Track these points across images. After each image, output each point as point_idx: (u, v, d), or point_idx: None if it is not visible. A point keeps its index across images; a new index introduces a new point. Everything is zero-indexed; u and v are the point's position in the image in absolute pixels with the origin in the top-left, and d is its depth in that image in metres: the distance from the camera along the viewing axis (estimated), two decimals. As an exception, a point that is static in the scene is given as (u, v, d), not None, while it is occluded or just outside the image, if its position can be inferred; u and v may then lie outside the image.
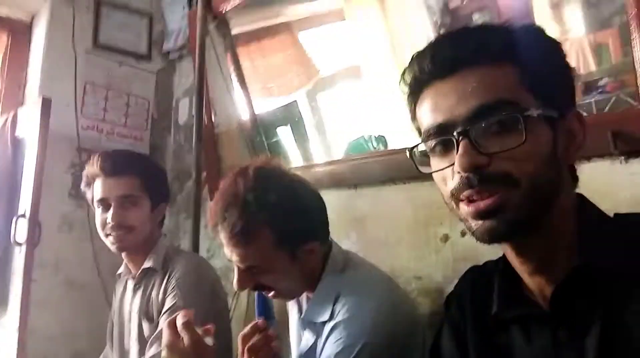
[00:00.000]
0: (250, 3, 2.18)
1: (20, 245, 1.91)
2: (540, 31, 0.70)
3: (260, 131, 2.14)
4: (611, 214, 0.70)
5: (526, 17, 1.65)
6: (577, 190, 0.72)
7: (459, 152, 0.63)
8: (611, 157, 1.11)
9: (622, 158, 1.10)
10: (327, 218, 1.18)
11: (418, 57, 0.70)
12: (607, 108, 1.35)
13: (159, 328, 1.38)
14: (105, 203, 1.51)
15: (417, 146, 0.71)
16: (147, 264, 1.54)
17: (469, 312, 0.79)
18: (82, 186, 1.59)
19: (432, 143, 0.69)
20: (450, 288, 0.89)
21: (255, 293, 1.16)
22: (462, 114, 0.65)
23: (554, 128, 0.65)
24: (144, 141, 2.49)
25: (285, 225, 1.07)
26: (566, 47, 0.70)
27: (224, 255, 1.14)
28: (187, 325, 1.03)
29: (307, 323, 1.14)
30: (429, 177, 0.72)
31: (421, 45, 0.71)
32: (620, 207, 0.71)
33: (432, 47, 0.69)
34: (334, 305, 1.08)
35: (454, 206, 0.68)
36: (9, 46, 2.40)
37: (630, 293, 0.60)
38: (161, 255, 1.56)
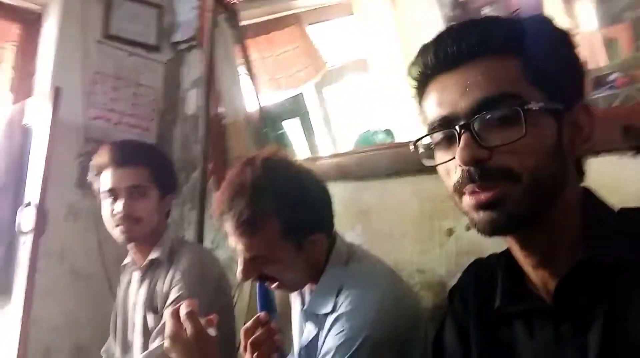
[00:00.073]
0: (260, -5, 2.18)
1: (25, 234, 1.92)
2: (547, 22, 0.69)
3: (267, 123, 2.14)
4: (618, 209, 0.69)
5: (536, 11, 1.64)
6: (586, 184, 0.72)
7: (460, 145, 0.63)
8: (620, 151, 1.10)
9: (632, 152, 1.09)
10: (332, 209, 1.18)
11: (423, 51, 0.70)
12: (616, 103, 1.34)
13: (162, 320, 1.39)
14: (114, 194, 1.51)
15: (421, 138, 0.71)
16: (153, 255, 1.55)
17: (472, 306, 0.79)
18: (90, 176, 1.59)
19: (436, 135, 0.69)
20: (453, 282, 0.88)
21: (257, 287, 1.16)
22: (464, 108, 0.65)
23: (559, 121, 0.64)
24: (151, 131, 2.50)
25: (291, 215, 1.07)
26: (577, 42, 0.69)
27: (228, 246, 1.15)
28: (190, 315, 1.04)
29: (310, 315, 1.14)
30: (434, 170, 0.72)
31: (430, 38, 0.71)
32: (628, 201, 0.70)
33: (436, 41, 0.69)
34: (336, 297, 1.08)
35: (457, 199, 0.68)
36: (20, 36, 2.41)
37: (634, 288, 0.60)
38: (167, 246, 1.56)
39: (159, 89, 2.54)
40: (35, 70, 2.39)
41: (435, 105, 0.69)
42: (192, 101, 2.53)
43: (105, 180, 1.52)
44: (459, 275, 0.87)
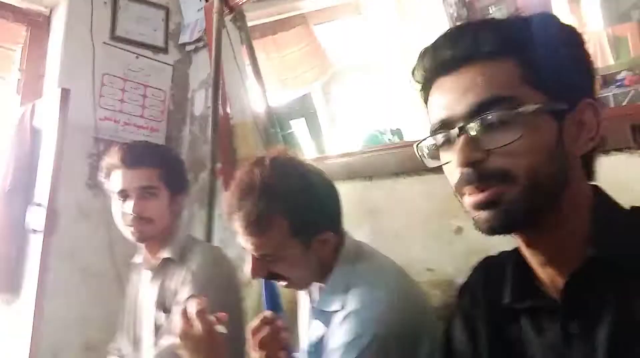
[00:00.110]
0: (266, -4, 2.19)
1: (36, 233, 1.94)
2: (549, 20, 0.68)
3: (275, 123, 2.15)
4: (628, 207, 0.69)
5: (544, 9, 1.63)
6: (595, 182, 0.72)
7: (457, 148, 0.65)
8: (630, 150, 1.10)
9: (641, 151, 1.09)
10: (341, 208, 1.18)
11: (423, 55, 0.72)
12: (625, 101, 1.34)
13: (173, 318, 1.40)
14: (124, 194, 1.52)
15: (423, 140, 0.73)
16: (166, 254, 1.55)
17: (481, 302, 0.79)
18: (101, 176, 1.60)
19: (438, 137, 0.70)
20: (461, 281, 0.88)
21: (263, 285, 1.16)
22: (461, 111, 0.66)
23: (561, 120, 0.64)
24: (160, 132, 2.52)
25: (300, 214, 1.08)
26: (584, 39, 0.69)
27: (237, 245, 1.15)
28: (200, 313, 1.05)
29: (318, 312, 1.15)
30: (442, 169, 0.73)
31: (434, 38, 0.72)
32: (638, 200, 0.70)
33: (434, 45, 0.70)
34: (345, 295, 1.09)
35: (460, 198, 0.69)
36: (28, 38, 2.43)
37: None
38: (179, 245, 1.56)
39: (167, 90, 2.56)
40: (43, 72, 2.42)
41: (435, 107, 0.70)
42: (200, 101, 2.55)
43: (115, 181, 1.53)
44: (467, 273, 0.87)
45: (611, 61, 1.57)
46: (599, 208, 0.67)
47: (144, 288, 1.62)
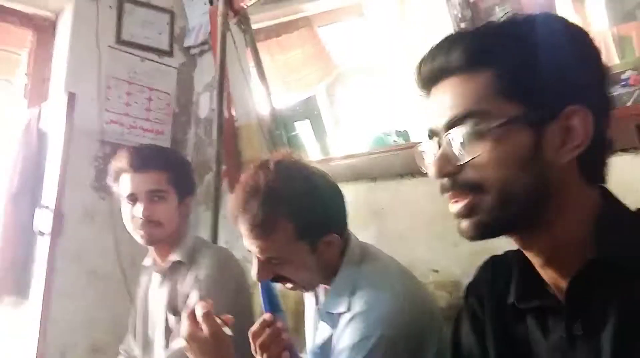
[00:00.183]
0: (270, -1, 2.20)
1: (43, 235, 1.95)
2: (530, 26, 0.67)
3: (280, 125, 2.15)
4: (634, 208, 0.69)
5: (548, 9, 1.63)
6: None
7: (434, 159, 0.68)
8: (635, 150, 1.10)
9: (646, 151, 1.09)
10: (346, 210, 1.18)
11: (417, 66, 0.73)
12: (630, 101, 1.33)
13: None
14: (133, 198, 1.52)
15: (419, 145, 0.75)
16: (175, 257, 1.55)
17: (487, 301, 0.79)
18: (109, 181, 1.60)
19: (426, 145, 0.73)
20: (467, 282, 0.89)
21: (261, 287, 1.16)
22: (441, 124, 0.68)
23: (540, 129, 0.64)
24: (166, 134, 2.53)
25: (304, 217, 1.08)
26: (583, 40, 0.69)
27: (243, 247, 1.16)
28: (206, 315, 1.05)
29: (324, 314, 1.15)
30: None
31: (440, 39, 0.72)
32: (644, 201, 0.70)
33: (423, 58, 0.72)
34: (351, 297, 1.09)
35: None
36: (35, 42, 2.45)
37: None
38: (188, 248, 1.57)
39: (172, 93, 2.57)
40: (49, 76, 2.44)
41: (426, 117, 0.72)
42: (205, 104, 2.56)
43: (124, 185, 1.53)
44: (473, 274, 0.88)
45: (616, 61, 1.56)
46: (604, 210, 0.67)
47: (154, 291, 1.62)
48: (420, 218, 1.49)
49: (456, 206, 0.67)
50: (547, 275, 0.70)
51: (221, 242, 2.06)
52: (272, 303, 1.14)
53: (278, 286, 1.19)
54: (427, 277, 1.45)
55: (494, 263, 0.83)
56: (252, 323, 1.53)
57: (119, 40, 2.45)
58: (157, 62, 2.54)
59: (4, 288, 2.09)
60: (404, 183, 1.56)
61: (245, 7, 2.17)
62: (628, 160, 1.10)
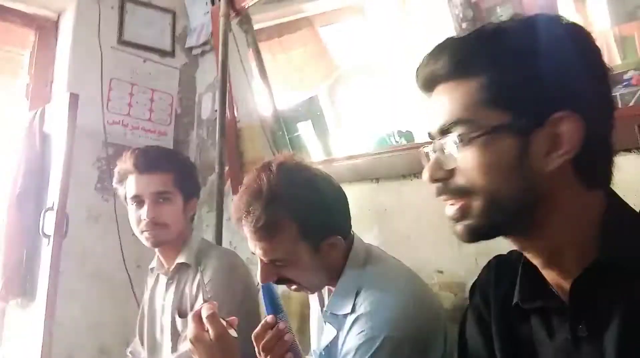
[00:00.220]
0: (272, -1, 2.19)
1: (48, 237, 1.95)
2: (522, 32, 0.66)
3: (282, 126, 2.15)
4: (638, 209, 0.69)
5: (550, 9, 1.63)
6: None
7: (427, 164, 0.70)
8: (638, 151, 1.10)
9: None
10: (349, 212, 1.19)
11: (415, 72, 0.74)
12: (632, 101, 1.33)
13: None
14: (139, 200, 1.52)
15: (423, 147, 0.76)
16: (181, 259, 1.56)
17: (492, 300, 0.80)
18: (114, 182, 1.60)
19: (426, 149, 0.75)
20: (471, 282, 0.89)
21: (261, 289, 1.16)
22: (435, 130, 0.70)
23: (526, 137, 0.64)
24: (168, 135, 2.54)
25: (307, 219, 1.09)
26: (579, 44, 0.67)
27: (246, 248, 1.16)
28: (212, 317, 1.06)
29: (330, 315, 1.16)
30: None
31: (441, 39, 0.72)
32: (647, 201, 0.70)
33: (419, 64, 0.73)
34: (355, 298, 1.09)
35: None
36: (37, 42, 2.45)
37: None
38: (194, 249, 1.57)
39: (174, 94, 2.58)
40: (51, 76, 2.44)
41: (428, 119, 0.74)
42: (208, 105, 2.57)
43: (129, 187, 1.54)
44: (477, 274, 0.88)
45: (618, 61, 1.55)
46: (608, 213, 0.67)
47: (160, 293, 1.62)
48: (424, 219, 1.49)
49: (450, 209, 0.69)
50: (549, 275, 0.71)
51: (225, 243, 2.07)
52: (273, 305, 1.15)
53: (281, 288, 1.19)
54: (432, 278, 1.46)
55: (499, 263, 0.84)
56: (258, 323, 1.54)
57: (121, 41, 2.45)
58: (159, 63, 2.55)
59: (10, 290, 2.09)
60: (407, 184, 1.56)
61: (246, 7, 2.17)
62: (631, 160, 1.10)
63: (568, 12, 1.74)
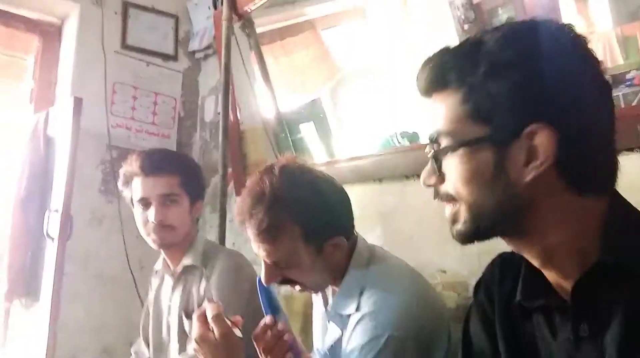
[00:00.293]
0: (274, 2, 2.20)
1: (52, 239, 1.96)
2: (500, 44, 0.66)
3: (285, 128, 2.16)
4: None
5: (552, 11, 1.63)
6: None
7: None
8: (640, 150, 1.10)
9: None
10: (352, 213, 1.19)
11: (415, 78, 0.75)
12: (635, 101, 1.33)
13: None
14: (145, 202, 1.52)
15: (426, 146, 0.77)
16: (187, 261, 1.56)
17: (496, 298, 0.80)
18: (119, 185, 1.60)
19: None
20: (475, 282, 0.89)
21: (259, 291, 1.16)
22: (430, 136, 0.73)
23: (503, 149, 0.65)
24: (171, 138, 2.55)
25: (310, 221, 1.09)
26: (593, 41, 0.68)
27: (250, 249, 1.17)
28: (217, 317, 1.06)
29: (334, 315, 1.16)
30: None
31: (443, 41, 0.73)
32: (649, 201, 0.70)
33: (418, 72, 0.74)
34: (359, 298, 1.10)
35: None
36: (41, 47, 2.47)
37: None
38: (200, 251, 1.57)
39: (178, 97, 2.59)
40: (55, 81, 2.46)
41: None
42: (210, 108, 2.58)
43: (136, 189, 1.53)
44: (480, 274, 0.88)
45: (620, 61, 1.56)
46: (610, 214, 0.67)
47: (166, 295, 1.62)
48: (427, 219, 1.49)
49: (447, 211, 0.72)
50: (549, 275, 0.71)
51: (228, 244, 2.07)
52: (272, 305, 1.15)
53: (283, 288, 1.19)
54: (435, 278, 1.46)
55: (503, 261, 0.84)
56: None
57: (124, 45, 2.47)
58: (162, 67, 2.56)
59: (15, 291, 2.11)
60: (410, 185, 1.57)
61: (249, 11, 2.18)
62: (633, 159, 1.10)
63: (570, 13, 1.75)
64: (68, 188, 1.95)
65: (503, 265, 0.83)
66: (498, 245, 0.76)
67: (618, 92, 1.38)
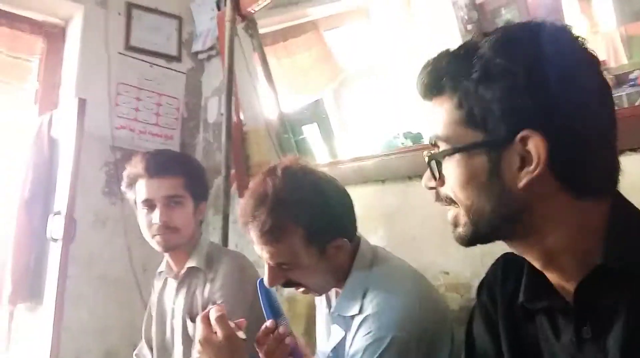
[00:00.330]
0: (277, 3, 2.20)
1: (55, 241, 1.97)
2: (491, 49, 0.65)
3: (287, 129, 2.16)
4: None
5: (555, 10, 1.63)
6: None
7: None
8: (645, 150, 1.10)
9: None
10: (354, 214, 1.19)
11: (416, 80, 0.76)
12: (638, 101, 1.33)
13: None
14: (150, 204, 1.51)
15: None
16: (191, 263, 1.55)
17: (499, 299, 0.80)
18: (123, 186, 1.59)
19: None
20: (478, 283, 0.89)
21: (259, 294, 1.16)
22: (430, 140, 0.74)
23: (497, 155, 0.65)
24: (175, 139, 2.55)
25: (313, 222, 1.09)
26: (597, 40, 0.68)
27: (253, 251, 1.17)
28: (220, 319, 1.06)
29: (337, 317, 1.16)
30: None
31: (446, 41, 0.73)
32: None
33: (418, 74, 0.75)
34: (362, 300, 1.10)
35: None
36: (45, 49, 2.48)
37: None
38: (204, 253, 1.57)
39: (181, 98, 2.59)
40: (59, 82, 2.47)
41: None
42: (213, 109, 2.58)
43: (140, 191, 1.53)
44: (483, 275, 0.88)
45: (625, 60, 1.55)
46: (612, 216, 0.66)
47: (169, 297, 1.62)
48: (429, 220, 1.49)
49: (449, 214, 0.73)
50: (551, 277, 0.71)
51: (231, 246, 2.08)
52: (272, 309, 1.15)
53: (286, 290, 1.19)
54: (438, 279, 1.46)
55: (506, 261, 0.84)
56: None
57: (128, 47, 2.48)
58: (166, 68, 2.57)
59: (18, 294, 2.11)
60: (413, 186, 1.56)
61: (252, 12, 2.18)
62: (637, 159, 1.10)
63: (573, 12, 1.74)
64: (72, 190, 1.96)
65: (506, 266, 0.83)
66: (500, 247, 0.75)
67: (622, 92, 1.38)
